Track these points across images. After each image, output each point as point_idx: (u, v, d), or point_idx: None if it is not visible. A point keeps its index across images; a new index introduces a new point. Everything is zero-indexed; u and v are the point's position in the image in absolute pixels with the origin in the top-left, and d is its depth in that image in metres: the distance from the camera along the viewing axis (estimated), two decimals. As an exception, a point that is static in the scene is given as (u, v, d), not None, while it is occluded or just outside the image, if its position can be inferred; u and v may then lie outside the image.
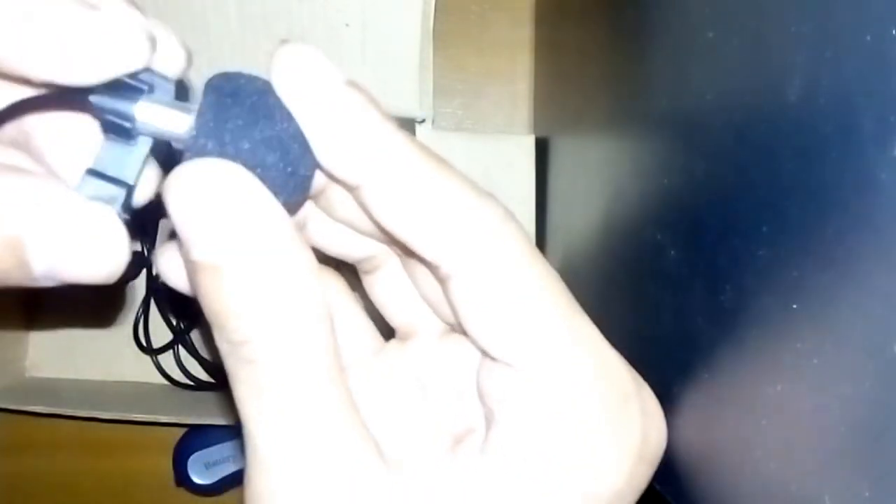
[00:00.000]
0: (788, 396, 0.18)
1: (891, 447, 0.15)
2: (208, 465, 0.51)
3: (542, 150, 0.47)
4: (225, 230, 0.16)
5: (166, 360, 0.51)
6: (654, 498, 0.25)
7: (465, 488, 0.18)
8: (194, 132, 0.17)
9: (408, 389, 0.22)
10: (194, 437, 0.51)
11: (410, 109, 0.46)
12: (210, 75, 0.20)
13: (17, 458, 0.54)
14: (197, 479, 0.51)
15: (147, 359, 0.51)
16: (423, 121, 0.46)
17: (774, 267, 0.19)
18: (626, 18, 0.31)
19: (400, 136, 0.17)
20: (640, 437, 0.19)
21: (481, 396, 0.19)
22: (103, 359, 0.52)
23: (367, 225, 0.20)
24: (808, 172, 0.17)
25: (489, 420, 0.19)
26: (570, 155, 0.42)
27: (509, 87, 0.52)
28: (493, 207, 0.18)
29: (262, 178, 0.17)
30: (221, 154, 0.17)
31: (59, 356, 0.53)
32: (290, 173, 0.17)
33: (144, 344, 0.51)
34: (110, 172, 0.17)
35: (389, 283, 0.22)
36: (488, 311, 0.18)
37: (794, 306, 0.18)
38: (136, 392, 0.51)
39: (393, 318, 0.22)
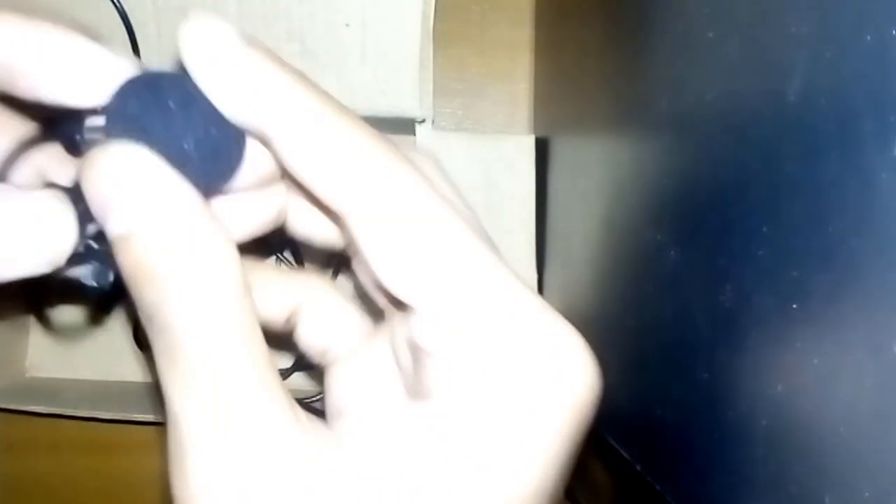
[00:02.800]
0: (788, 396, 0.18)
1: (891, 447, 0.15)
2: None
3: (542, 150, 0.47)
4: (133, 201, 0.17)
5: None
6: (655, 498, 0.25)
7: (389, 442, 0.18)
8: (107, 126, 0.18)
9: (385, 369, 0.22)
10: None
11: (410, 109, 0.46)
12: None
13: (17, 458, 0.54)
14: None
15: (147, 359, 0.51)
16: (423, 121, 0.46)
17: (774, 267, 0.19)
18: (627, 18, 0.31)
19: (300, 86, 0.18)
20: (568, 387, 0.19)
21: (411, 351, 0.19)
22: (103, 359, 0.52)
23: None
24: (808, 172, 0.17)
25: (418, 374, 0.19)
26: (570, 155, 0.42)
27: (509, 87, 0.52)
28: (390, 149, 0.19)
29: (179, 164, 0.18)
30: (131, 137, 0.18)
31: (59, 356, 0.53)
32: (206, 157, 0.19)
33: (145, 344, 0.51)
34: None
35: (320, 312, 0.23)
36: (388, 251, 0.18)
37: (794, 306, 0.18)
38: (136, 392, 0.51)
39: (378, 298, 0.23)
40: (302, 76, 0.19)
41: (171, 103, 0.19)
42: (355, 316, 0.24)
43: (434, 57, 0.46)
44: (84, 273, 0.19)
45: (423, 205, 0.18)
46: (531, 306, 0.19)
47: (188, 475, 0.17)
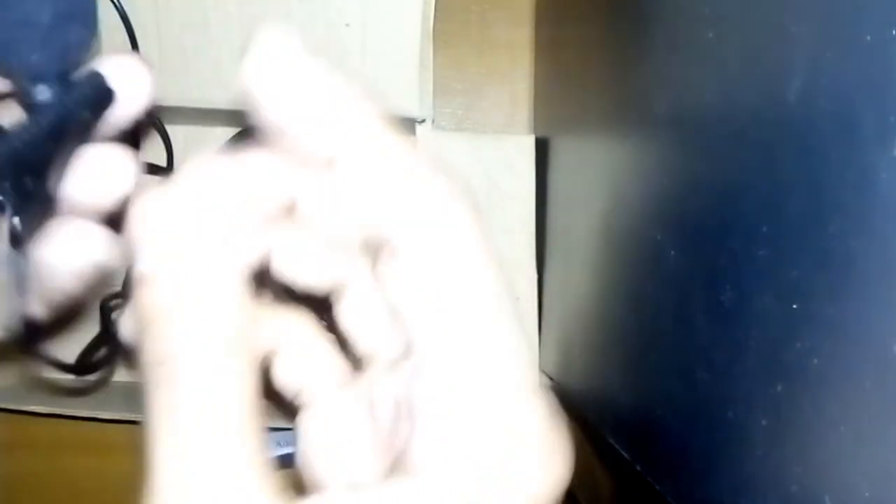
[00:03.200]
0: (788, 396, 0.18)
1: (891, 447, 0.15)
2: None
3: (542, 150, 0.47)
4: (163, 247, 0.18)
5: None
6: (654, 498, 0.25)
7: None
8: None
9: (362, 416, 0.22)
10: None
11: (410, 109, 0.46)
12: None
13: (17, 458, 0.54)
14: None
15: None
16: (423, 121, 0.46)
17: (774, 267, 0.19)
18: (627, 18, 0.31)
19: (368, 113, 0.19)
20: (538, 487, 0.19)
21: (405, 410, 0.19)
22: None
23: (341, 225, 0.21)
24: (808, 172, 0.17)
25: (400, 430, 0.19)
26: (570, 155, 0.42)
27: (509, 87, 0.52)
28: (452, 187, 0.19)
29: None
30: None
31: (58, 356, 0.53)
32: None
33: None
34: None
35: (353, 307, 0.23)
36: (373, 192, 0.19)
37: (794, 306, 0.18)
38: (136, 392, 0.51)
39: (359, 343, 0.23)
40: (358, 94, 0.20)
41: None
42: (333, 359, 0.24)
43: (434, 57, 0.46)
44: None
45: (468, 262, 0.19)
46: (527, 393, 0.19)
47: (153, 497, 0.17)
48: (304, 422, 0.23)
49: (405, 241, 0.19)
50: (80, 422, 0.47)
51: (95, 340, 0.47)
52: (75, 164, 0.21)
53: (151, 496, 0.17)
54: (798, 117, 0.18)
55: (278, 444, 0.29)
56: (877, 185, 0.15)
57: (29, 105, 0.20)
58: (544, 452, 0.19)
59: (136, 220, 0.18)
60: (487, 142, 0.48)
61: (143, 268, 0.18)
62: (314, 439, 0.23)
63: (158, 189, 0.19)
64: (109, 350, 0.47)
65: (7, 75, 0.20)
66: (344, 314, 0.23)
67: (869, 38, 0.15)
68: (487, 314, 0.19)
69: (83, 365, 0.47)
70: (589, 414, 0.35)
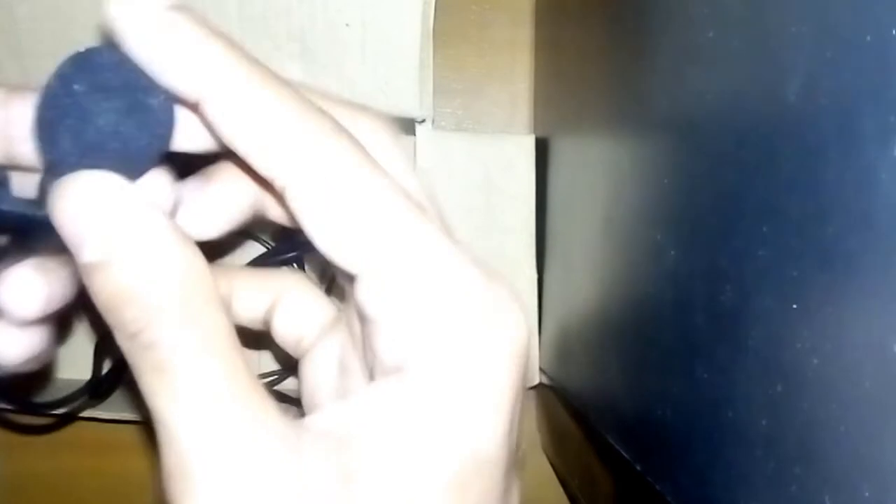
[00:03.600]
0: (788, 396, 0.18)
1: (891, 447, 0.15)
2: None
3: (542, 150, 0.47)
4: (104, 230, 0.18)
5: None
6: (654, 498, 0.25)
7: (354, 427, 0.19)
8: (43, 156, 0.19)
9: (347, 351, 0.23)
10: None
11: (410, 109, 0.46)
12: None
13: (17, 458, 0.54)
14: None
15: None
16: (423, 121, 0.46)
17: (774, 267, 0.19)
18: (627, 18, 0.31)
19: (232, 53, 0.19)
20: (505, 337, 0.19)
21: (360, 317, 0.20)
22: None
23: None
24: (808, 172, 0.17)
25: (368, 341, 0.20)
26: (570, 155, 0.42)
27: (509, 87, 0.52)
28: (324, 118, 0.19)
29: (115, 160, 0.19)
30: (73, 163, 0.19)
31: (59, 356, 0.53)
32: (135, 150, 0.19)
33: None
34: None
35: (283, 318, 0.25)
36: (324, 222, 0.19)
37: (794, 306, 0.18)
38: (135, 392, 0.51)
39: (298, 346, 0.25)
40: (233, 43, 0.19)
41: (99, 80, 0.19)
42: (325, 304, 0.24)
43: (434, 57, 0.46)
44: None
45: (355, 173, 0.19)
46: (460, 262, 0.19)
47: (189, 489, 0.17)
48: (303, 368, 0.24)
49: (292, 174, 0.19)
50: (80, 422, 0.47)
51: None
52: None
53: (183, 467, 0.18)
54: (798, 117, 0.18)
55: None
56: (877, 185, 0.15)
57: None
58: (489, 313, 0.19)
59: (67, 207, 0.18)
60: (487, 142, 0.48)
61: (90, 256, 0.18)
62: (313, 383, 0.23)
63: (79, 173, 0.18)
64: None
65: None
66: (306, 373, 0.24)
67: (869, 38, 0.15)
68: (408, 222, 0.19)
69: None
70: (589, 414, 0.35)
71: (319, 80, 0.46)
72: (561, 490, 0.45)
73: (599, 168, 0.34)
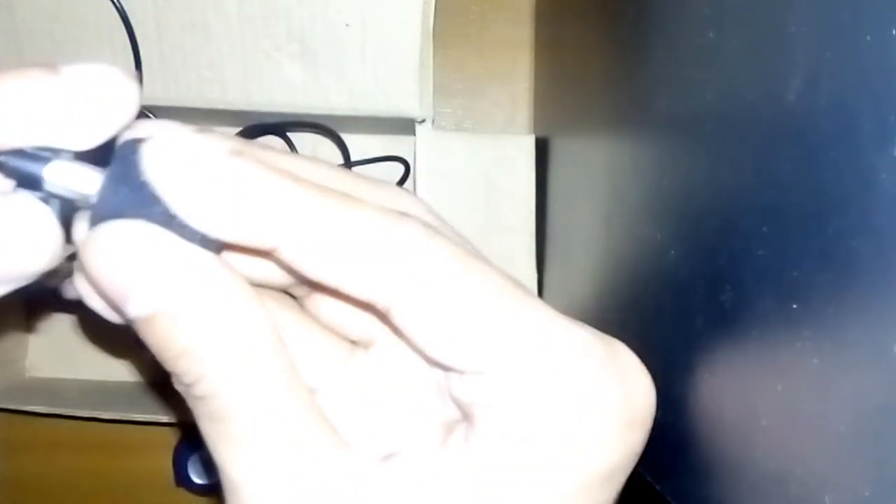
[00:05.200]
0: (788, 396, 0.18)
1: (891, 447, 0.15)
2: (208, 465, 0.51)
3: (542, 150, 0.47)
4: (150, 281, 0.16)
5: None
6: (654, 498, 0.25)
7: (453, 478, 0.18)
8: (102, 193, 0.17)
9: (385, 392, 0.21)
10: (194, 437, 0.51)
11: (410, 109, 0.46)
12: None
13: (17, 458, 0.54)
14: (197, 479, 0.51)
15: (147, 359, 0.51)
16: (423, 121, 0.46)
17: (774, 267, 0.19)
18: (627, 18, 0.31)
19: (299, 188, 0.17)
20: (623, 404, 0.19)
21: (456, 403, 0.19)
22: (103, 359, 0.52)
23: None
24: (808, 172, 0.17)
25: (469, 419, 0.19)
26: (570, 155, 0.42)
27: (509, 87, 0.52)
28: (411, 227, 0.18)
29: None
30: (129, 214, 0.17)
31: (59, 356, 0.53)
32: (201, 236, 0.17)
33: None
34: None
35: (328, 301, 0.22)
36: (436, 332, 0.18)
37: (794, 306, 0.18)
38: (136, 392, 0.51)
39: (348, 333, 0.22)
40: (297, 174, 0.17)
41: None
42: (334, 341, 0.23)
43: (434, 57, 0.46)
44: (66, 284, 0.18)
45: (459, 280, 0.18)
46: (580, 334, 0.19)
47: None
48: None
49: (392, 308, 0.18)
50: (80, 422, 0.47)
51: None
52: None
53: None
54: (798, 117, 0.18)
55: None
56: (877, 185, 0.15)
57: None
58: (614, 421, 0.18)
59: (107, 261, 0.16)
60: (487, 142, 0.48)
61: (138, 310, 0.16)
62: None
63: (112, 223, 0.17)
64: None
65: None
66: (319, 308, 0.22)
67: (869, 38, 0.15)
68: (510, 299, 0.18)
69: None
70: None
71: (319, 80, 0.46)
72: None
73: (599, 168, 0.34)
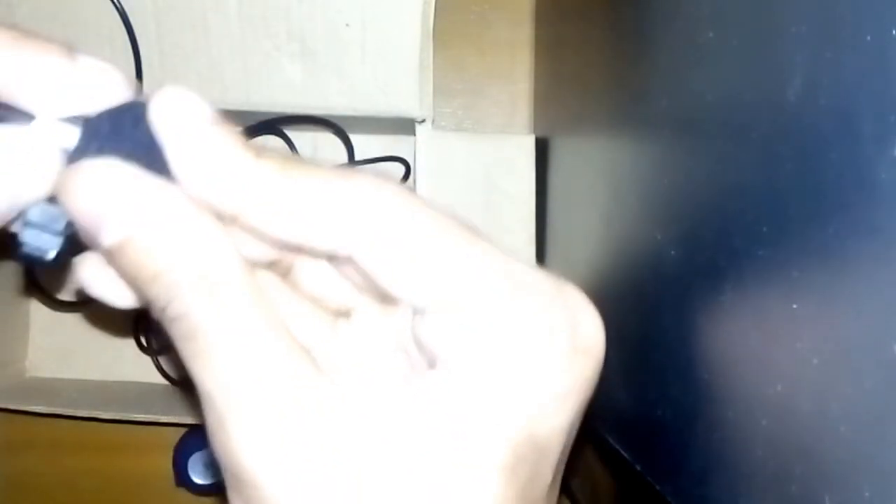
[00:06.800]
0: (788, 396, 0.18)
1: (891, 447, 0.15)
2: (208, 465, 0.51)
3: (542, 150, 0.47)
4: (123, 210, 0.18)
5: (167, 360, 0.51)
6: (654, 498, 0.25)
7: (416, 413, 0.19)
8: (79, 142, 0.19)
9: (365, 356, 0.23)
10: (194, 437, 0.51)
11: (410, 109, 0.46)
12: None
13: (17, 458, 0.54)
14: (197, 479, 0.51)
15: (147, 359, 0.51)
16: (423, 121, 0.46)
17: (774, 267, 0.19)
18: (627, 18, 0.31)
19: (259, 162, 0.19)
20: (571, 332, 0.20)
21: (420, 347, 0.20)
22: (103, 359, 0.52)
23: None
24: (808, 172, 0.17)
25: (432, 363, 0.20)
26: (570, 155, 0.42)
27: (509, 87, 0.52)
28: (359, 179, 0.20)
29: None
30: (106, 154, 0.19)
31: (59, 356, 0.53)
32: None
33: (145, 344, 0.51)
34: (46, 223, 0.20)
35: (307, 275, 0.24)
36: (395, 270, 0.19)
37: (794, 306, 0.18)
38: (136, 392, 0.51)
39: (329, 303, 0.24)
40: (254, 149, 0.20)
41: (136, 129, 0.19)
42: (318, 311, 0.24)
43: (434, 57, 0.46)
44: (30, 237, 0.19)
45: (414, 223, 0.19)
46: (528, 273, 0.20)
47: (233, 442, 0.18)
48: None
49: (353, 254, 0.19)
50: (80, 422, 0.47)
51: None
52: None
53: (223, 426, 0.18)
54: (798, 117, 0.18)
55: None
56: (877, 185, 0.15)
57: None
58: (563, 347, 0.20)
59: (83, 192, 0.19)
60: (487, 142, 0.48)
61: (111, 238, 0.18)
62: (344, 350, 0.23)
63: (89, 160, 0.19)
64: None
65: None
66: (298, 282, 0.24)
67: (869, 38, 0.15)
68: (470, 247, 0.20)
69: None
70: (589, 414, 0.35)
71: (319, 80, 0.46)
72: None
73: (599, 168, 0.34)
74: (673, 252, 0.25)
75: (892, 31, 0.14)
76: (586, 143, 0.37)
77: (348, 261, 0.20)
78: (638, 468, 0.28)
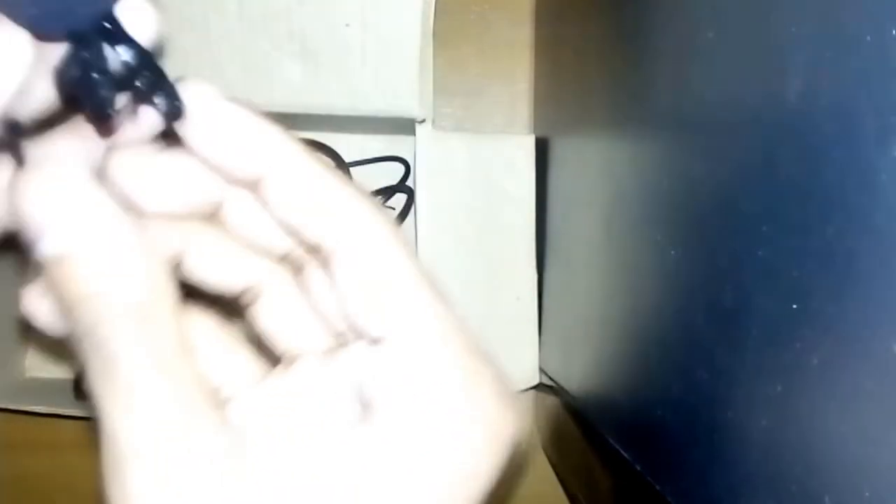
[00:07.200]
0: (788, 396, 0.18)
1: (891, 447, 0.15)
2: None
3: (542, 150, 0.47)
4: (64, 224, 0.18)
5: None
6: (654, 498, 0.25)
7: (339, 459, 0.19)
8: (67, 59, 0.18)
9: (295, 404, 0.23)
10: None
11: (410, 109, 0.46)
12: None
13: (17, 458, 0.54)
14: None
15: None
16: (423, 121, 0.46)
17: (774, 267, 0.19)
18: (627, 18, 0.31)
19: (289, 142, 0.20)
20: (495, 420, 0.20)
21: (360, 395, 0.21)
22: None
23: (259, 234, 0.22)
24: (808, 172, 0.17)
25: (365, 403, 0.20)
26: (570, 155, 0.42)
27: (509, 87, 0.52)
28: (367, 200, 0.21)
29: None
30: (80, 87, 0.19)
31: (59, 356, 0.53)
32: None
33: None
34: None
35: (272, 308, 0.24)
36: (362, 285, 0.20)
37: (794, 306, 0.18)
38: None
39: (279, 343, 0.24)
40: (284, 130, 0.21)
41: None
42: (244, 358, 0.24)
43: (434, 57, 0.46)
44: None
45: (391, 250, 0.20)
46: (455, 351, 0.20)
47: (127, 489, 0.18)
48: (257, 315, 0.24)
49: (336, 250, 0.20)
50: (80, 422, 0.47)
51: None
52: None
53: (119, 468, 0.18)
54: (798, 117, 0.18)
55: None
56: (877, 185, 0.15)
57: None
58: (495, 401, 0.20)
59: (31, 198, 0.18)
60: (487, 142, 0.48)
61: (49, 249, 0.18)
62: (272, 328, 0.24)
63: (45, 167, 0.19)
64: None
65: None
66: (259, 314, 0.24)
67: (869, 38, 0.15)
68: (419, 304, 0.20)
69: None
70: (589, 414, 0.35)
71: (319, 80, 0.46)
72: (561, 490, 0.45)
73: (599, 168, 0.34)
74: (673, 252, 0.25)
75: (892, 31, 0.14)
76: (586, 143, 0.37)
77: (325, 265, 0.20)
78: (638, 468, 0.28)
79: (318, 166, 0.21)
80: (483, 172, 0.47)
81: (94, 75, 0.19)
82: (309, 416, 0.22)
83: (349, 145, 0.50)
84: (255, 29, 0.45)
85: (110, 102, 0.19)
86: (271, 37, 0.45)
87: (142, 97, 0.19)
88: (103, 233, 0.18)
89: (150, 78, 0.19)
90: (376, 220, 0.20)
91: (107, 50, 0.19)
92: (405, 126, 0.47)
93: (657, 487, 0.25)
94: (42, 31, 0.18)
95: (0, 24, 0.18)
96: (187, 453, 0.18)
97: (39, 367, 0.53)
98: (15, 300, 0.24)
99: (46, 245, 0.18)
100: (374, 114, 0.46)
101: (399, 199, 0.50)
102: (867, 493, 0.15)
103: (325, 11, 0.45)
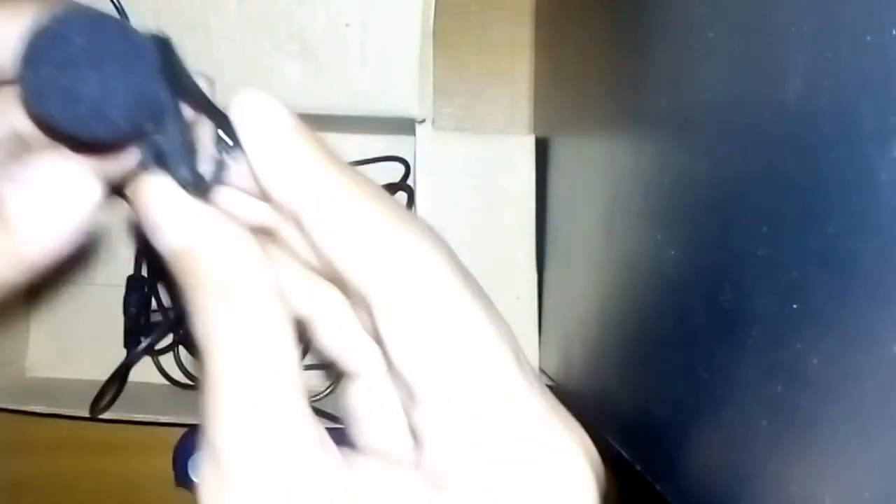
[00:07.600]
0: (788, 396, 0.18)
1: (891, 447, 0.15)
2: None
3: (542, 150, 0.47)
4: (176, 225, 0.19)
5: (166, 360, 0.51)
6: (654, 498, 0.25)
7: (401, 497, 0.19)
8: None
9: (358, 420, 0.23)
10: (194, 437, 0.51)
11: (410, 109, 0.46)
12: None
13: (17, 458, 0.54)
14: (197, 479, 0.51)
15: (147, 359, 0.51)
16: (423, 121, 0.46)
17: (774, 267, 0.19)
18: (627, 18, 0.31)
19: (334, 169, 0.20)
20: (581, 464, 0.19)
21: (412, 430, 0.20)
22: (103, 359, 0.52)
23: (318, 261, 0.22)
24: (808, 172, 0.17)
25: (418, 445, 0.19)
26: (570, 155, 0.42)
27: (509, 87, 0.52)
28: (418, 233, 0.19)
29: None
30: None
31: (59, 356, 0.53)
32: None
33: (145, 344, 0.51)
34: None
35: (335, 326, 0.23)
36: (407, 341, 0.18)
37: (794, 306, 0.18)
38: (136, 392, 0.51)
39: (342, 360, 0.24)
40: (332, 156, 0.20)
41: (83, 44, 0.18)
42: (367, 341, 0.23)
43: (434, 57, 0.46)
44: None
45: (441, 296, 0.19)
46: (533, 410, 0.19)
47: (228, 490, 0.18)
48: (351, 391, 0.23)
49: (379, 289, 0.19)
50: (80, 422, 0.47)
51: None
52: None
53: (216, 471, 0.19)
54: (798, 117, 0.18)
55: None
56: (877, 185, 0.15)
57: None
58: (562, 441, 0.19)
59: (154, 201, 0.19)
60: (487, 142, 0.48)
61: (172, 243, 0.19)
62: (359, 411, 0.23)
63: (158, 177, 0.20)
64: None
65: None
66: (324, 333, 0.23)
67: (869, 38, 0.15)
68: (475, 339, 0.19)
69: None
70: (589, 414, 0.35)
71: (319, 80, 0.46)
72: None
73: (599, 168, 0.34)
74: (673, 252, 0.25)
75: (892, 31, 0.14)
76: (586, 143, 0.37)
77: (370, 310, 0.19)
78: (638, 468, 0.28)
79: (353, 194, 0.19)
80: (483, 172, 0.47)
81: (170, 157, 0.20)
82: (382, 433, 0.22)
83: (349, 145, 0.50)
84: (255, 29, 0.45)
85: (193, 171, 0.20)
86: (271, 37, 0.45)
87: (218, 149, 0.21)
88: (216, 235, 0.19)
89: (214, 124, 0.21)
90: (417, 261, 0.19)
91: (171, 128, 0.20)
92: (405, 126, 0.47)
93: (657, 487, 0.25)
94: (101, 143, 0.20)
95: (67, 163, 0.19)
96: (282, 465, 0.18)
97: (39, 367, 0.53)
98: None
99: (163, 242, 0.19)
100: (374, 114, 0.46)
101: (399, 199, 0.50)
102: (867, 494, 0.15)
103: (325, 11, 0.45)
